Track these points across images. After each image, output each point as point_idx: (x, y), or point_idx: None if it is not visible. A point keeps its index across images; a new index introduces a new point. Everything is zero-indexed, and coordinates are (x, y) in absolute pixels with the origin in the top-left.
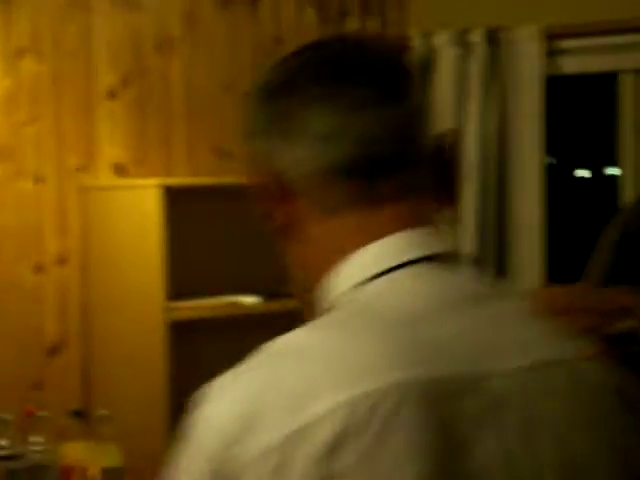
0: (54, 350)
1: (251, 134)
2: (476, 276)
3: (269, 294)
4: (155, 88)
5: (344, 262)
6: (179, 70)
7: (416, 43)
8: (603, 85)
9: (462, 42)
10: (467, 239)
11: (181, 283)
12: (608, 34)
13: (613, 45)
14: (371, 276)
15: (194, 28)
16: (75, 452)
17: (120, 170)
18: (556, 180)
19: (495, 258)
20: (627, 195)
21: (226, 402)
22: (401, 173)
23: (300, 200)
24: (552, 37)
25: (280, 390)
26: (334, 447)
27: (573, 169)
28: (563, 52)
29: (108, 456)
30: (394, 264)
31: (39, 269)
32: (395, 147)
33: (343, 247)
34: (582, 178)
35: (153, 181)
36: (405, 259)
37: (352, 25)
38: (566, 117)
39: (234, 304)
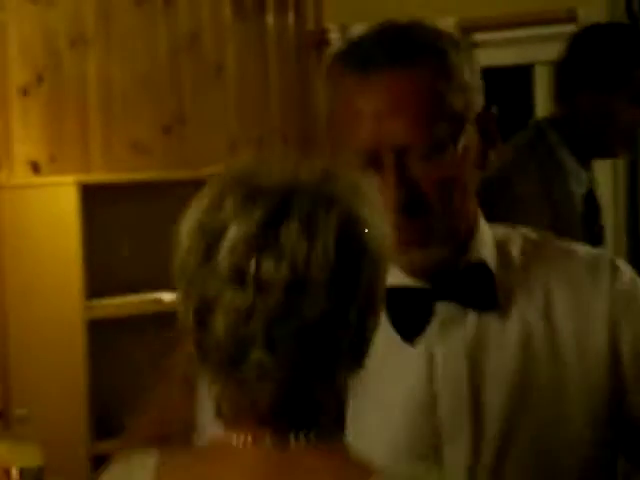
0: None
1: None
2: None
3: None
4: (70, 85)
5: None
6: (94, 66)
7: (334, 36)
8: (519, 78)
9: None
10: None
11: (100, 281)
12: (522, 26)
13: (527, 37)
14: None
15: (108, 25)
16: None
17: (35, 168)
18: None
19: None
20: None
21: None
22: None
23: None
24: (467, 30)
25: None
26: None
27: None
28: (478, 45)
29: (27, 456)
30: None
31: None
32: None
33: None
34: None
35: (69, 178)
36: None
37: (269, 20)
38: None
39: (153, 301)
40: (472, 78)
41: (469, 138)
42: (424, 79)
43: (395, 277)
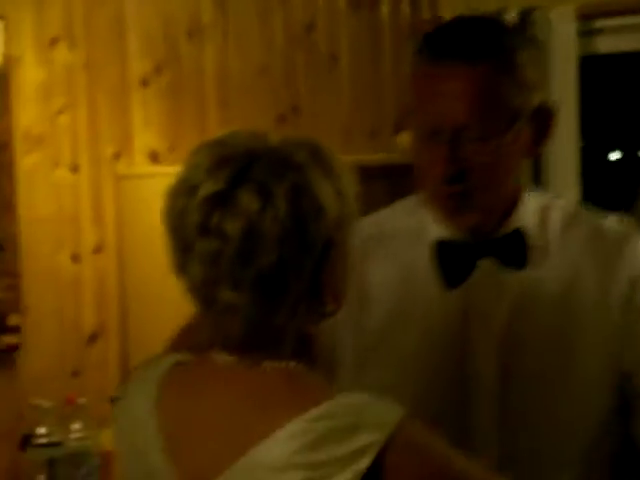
0: (93, 338)
1: None
2: None
3: None
4: (188, 74)
5: None
6: (212, 56)
7: None
8: (638, 65)
9: None
10: None
11: None
12: None
13: None
14: None
15: (225, 15)
16: None
17: (154, 157)
18: (589, 163)
19: None
20: None
21: None
22: None
23: None
24: (586, 17)
25: None
26: None
27: (606, 151)
28: (597, 32)
29: None
30: None
31: (76, 258)
32: None
33: None
34: (616, 160)
35: None
36: None
37: (384, 10)
38: (600, 98)
39: None
40: (535, 76)
41: (521, 129)
42: (486, 74)
43: (445, 232)
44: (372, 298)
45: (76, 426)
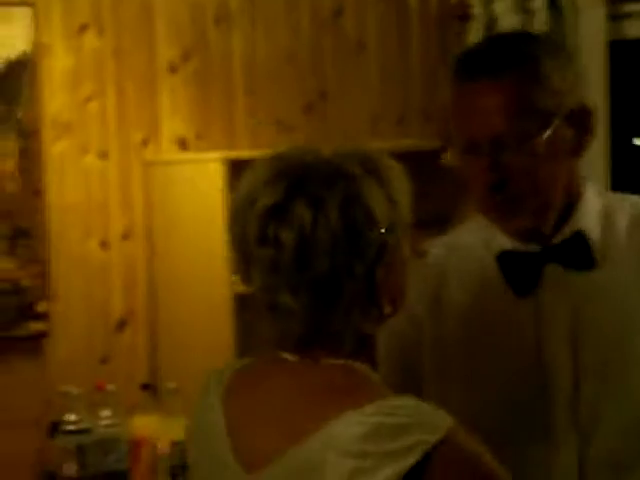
0: (122, 324)
1: None
2: None
3: None
4: (216, 61)
5: None
6: (239, 43)
7: (477, 10)
8: None
9: (523, 8)
10: None
11: None
12: None
13: None
14: None
15: (252, 2)
16: (144, 425)
17: (182, 144)
18: (617, 148)
19: None
20: None
21: None
22: None
23: None
24: (615, 1)
25: None
26: None
27: (633, 136)
28: (626, 16)
29: (177, 429)
30: None
31: (105, 245)
32: None
33: None
34: None
35: (215, 154)
36: None
37: None
38: (628, 83)
39: None
40: (563, 82)
41: (558, 131)
42: (512, 85)
43: (508, 242)
44: (448, 311)
45: (105, 413)
